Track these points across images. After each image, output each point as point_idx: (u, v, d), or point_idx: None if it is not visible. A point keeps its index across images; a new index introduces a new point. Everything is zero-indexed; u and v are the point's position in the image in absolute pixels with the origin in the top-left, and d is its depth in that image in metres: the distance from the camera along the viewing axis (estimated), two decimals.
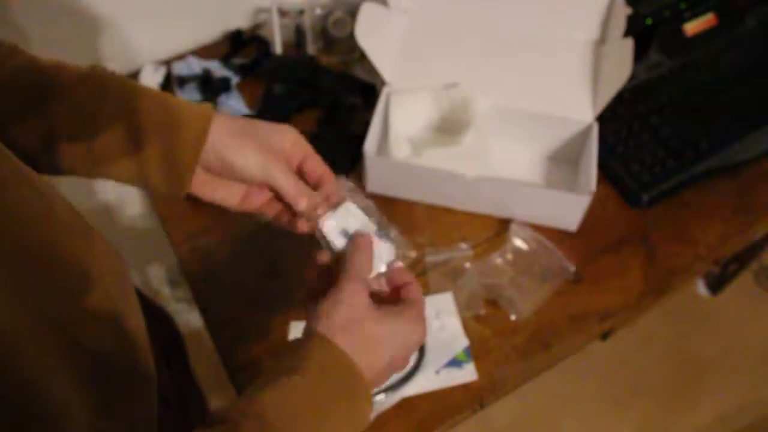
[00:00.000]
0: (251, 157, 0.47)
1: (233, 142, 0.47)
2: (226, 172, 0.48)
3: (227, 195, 0.51)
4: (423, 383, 0.69)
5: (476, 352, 0.72)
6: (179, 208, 0.83)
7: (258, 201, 0.52)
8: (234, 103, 0.94)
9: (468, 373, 0.70)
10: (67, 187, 1.04)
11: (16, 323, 0.33)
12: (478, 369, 0.70)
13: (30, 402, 0.34)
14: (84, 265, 0.40)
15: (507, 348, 0.72)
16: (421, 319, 0.46)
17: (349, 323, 0.42)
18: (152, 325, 0.50)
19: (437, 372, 0.70)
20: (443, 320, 0.73)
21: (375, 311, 0.44)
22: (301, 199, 0.49)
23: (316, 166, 0.52)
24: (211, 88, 0.94)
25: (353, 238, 0.48)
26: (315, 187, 0.52)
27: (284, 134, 0.51)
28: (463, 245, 0.79)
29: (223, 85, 0.94)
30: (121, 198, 1.16)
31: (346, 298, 0.43)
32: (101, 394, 0.39)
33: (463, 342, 0.72)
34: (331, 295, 0.43)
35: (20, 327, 0.34)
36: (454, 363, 0.71)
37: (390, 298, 0.49)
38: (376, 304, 0.45)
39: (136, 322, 0.46)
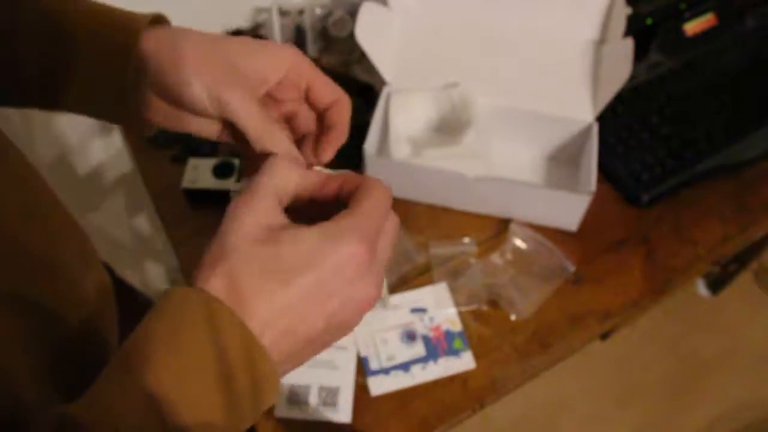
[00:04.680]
0: (197, 87, 0.36)
1: (182, 66, 0.36)
2: (179, 104, 0.38)
3: (201, 127, 0.40)
4: (421, 373, 0.70)
5: (476, 351, 0.72)
6: (179, 208, 0.83)
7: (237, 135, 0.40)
8: None
9: (466, 362, 0.71)
10: (67, 186, 1.05)
11: None
12: (478, 369, 0.70)
13: None
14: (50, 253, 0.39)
15: (507, 348, 0.72)
16: (367, 236, 0.31)
17: (228, 251, 0.29)
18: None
19: (435, 362, 0.71)
20: (436, 311, 0.74)
21: (283, 230, 0.30)
22: (264, 143, 0.36)
23: (323, 94, 0.39)
24: None
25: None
26: (322, 119, 0.40)
27: (269, 56, 0.38)
28: (467, 240, 0.80)
29: None
30: (123, 198, 1.16)
31: (234, 214, 0.31)
32: (61, 380, 0.37)
33: (458, 330, 0.73)
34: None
35: None
36: (452, 352, 0.71)
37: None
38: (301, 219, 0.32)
39: (107, 311, 0.44)
